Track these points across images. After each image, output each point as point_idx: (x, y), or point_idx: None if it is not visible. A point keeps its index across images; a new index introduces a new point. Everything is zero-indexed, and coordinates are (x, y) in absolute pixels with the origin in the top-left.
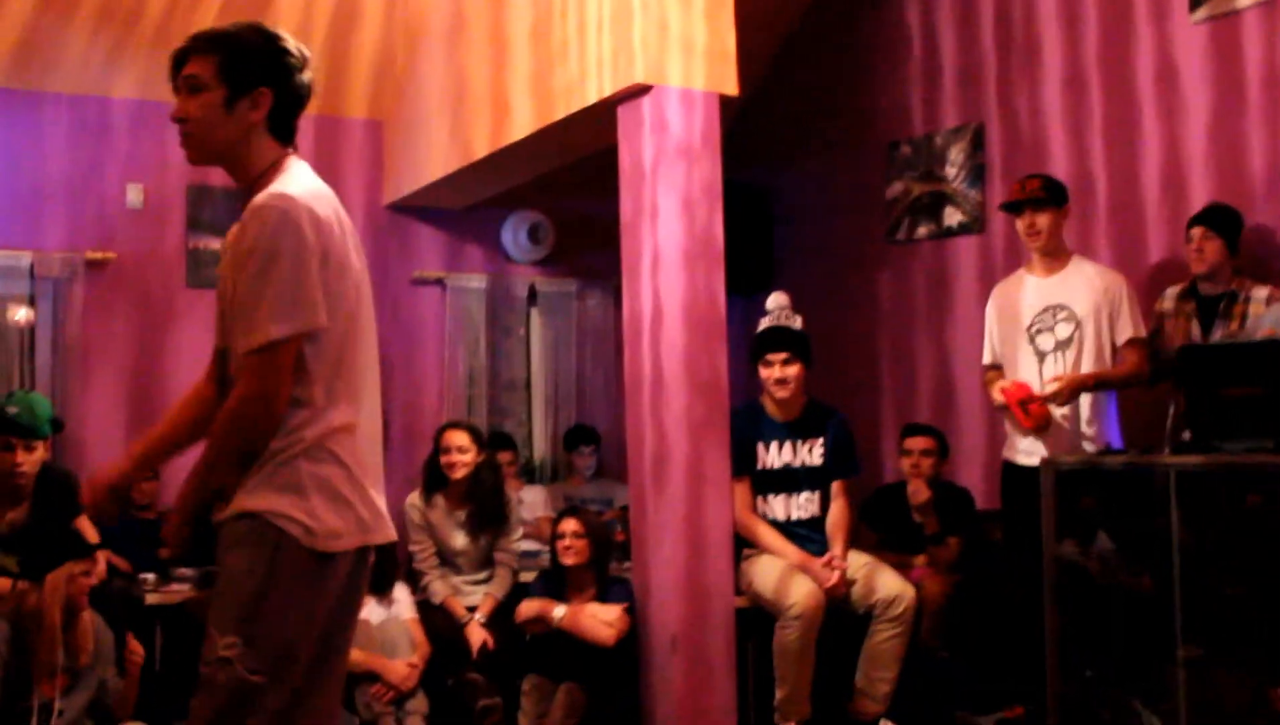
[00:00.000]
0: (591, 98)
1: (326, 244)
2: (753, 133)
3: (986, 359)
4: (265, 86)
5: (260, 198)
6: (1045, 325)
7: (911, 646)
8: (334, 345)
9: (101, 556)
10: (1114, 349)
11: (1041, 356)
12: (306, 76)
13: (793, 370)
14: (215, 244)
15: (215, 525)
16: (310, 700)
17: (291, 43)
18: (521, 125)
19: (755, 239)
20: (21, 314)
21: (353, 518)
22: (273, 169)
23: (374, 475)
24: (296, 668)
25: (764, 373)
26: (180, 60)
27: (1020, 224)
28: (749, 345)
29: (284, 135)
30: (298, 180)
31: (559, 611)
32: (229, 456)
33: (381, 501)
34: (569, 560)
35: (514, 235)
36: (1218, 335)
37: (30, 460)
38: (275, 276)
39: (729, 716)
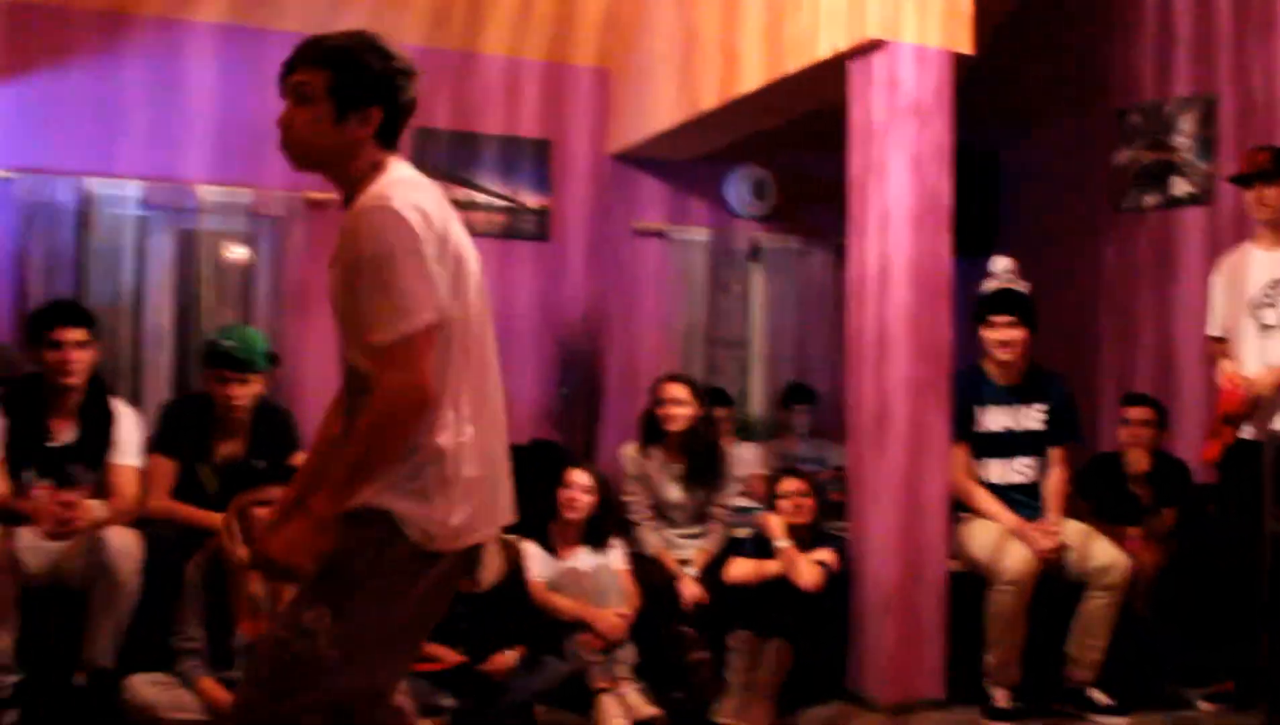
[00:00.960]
0: (823, 52)
1: (440, 235)
2: (982, 93)
3: (1211, 331)
4: (375, 106)
5: (363, 201)
6: (1269, 300)
7: (1123, 617)
8: (455, 337)
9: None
10: None
11: (1264, 330)
12: (413, 91)
13: (1017, 334)
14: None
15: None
16: (373, 687)
17: (402, 59)
18: (751, 78)
19: (980, 201)
20: (239, 252)
21: (467, 516)
22: (374, 170)
23: (497, 468)
24: (371, 655)
25: (987, 335)
26: (292, 66)
27: (1248, 197)
28: (973, 307)
29: (389, 144)
30: (400, 178)
31: (778, 546)
32: (384, 454)
33: (502, 493)
34: (799, 519)
35: (738, 190)
36: None
37: (245, 393)
38: (395, 274)
39: (937, 680)
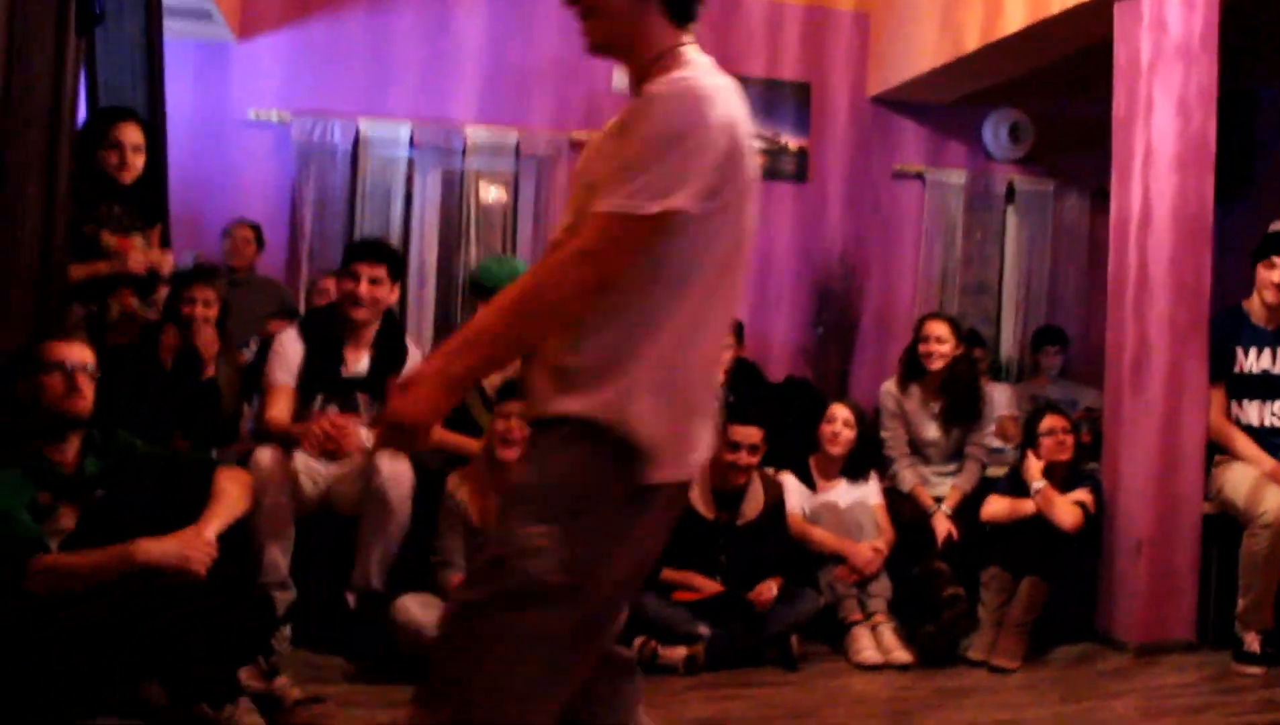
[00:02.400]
0: None
1: (732, 144)
2: (1242, 33)
3: None
4: None
5: (664, 82)
6: None
7: None
8: (702, 251)
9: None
10: None
11: None
12: None
13: None
14: None
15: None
16: (596, 637)
17: None
18: (1014, 19)
19: (1239, 145)
20: (494, 191)
21: (687, 447)
22: (670, 56)
23: (707, 403)
24: (596, 591)
25: (1264, 274)
26: None
27: None
28: (1236, 250)
29: (680, 16)
30: (707, 68)
31: (1035, 487)
32: (532, 318)
33: (707, 431)
34: (1062, 456)
35: (994, 133)
36: None
37: None
38: (670, 154)
39: (1189, 623)
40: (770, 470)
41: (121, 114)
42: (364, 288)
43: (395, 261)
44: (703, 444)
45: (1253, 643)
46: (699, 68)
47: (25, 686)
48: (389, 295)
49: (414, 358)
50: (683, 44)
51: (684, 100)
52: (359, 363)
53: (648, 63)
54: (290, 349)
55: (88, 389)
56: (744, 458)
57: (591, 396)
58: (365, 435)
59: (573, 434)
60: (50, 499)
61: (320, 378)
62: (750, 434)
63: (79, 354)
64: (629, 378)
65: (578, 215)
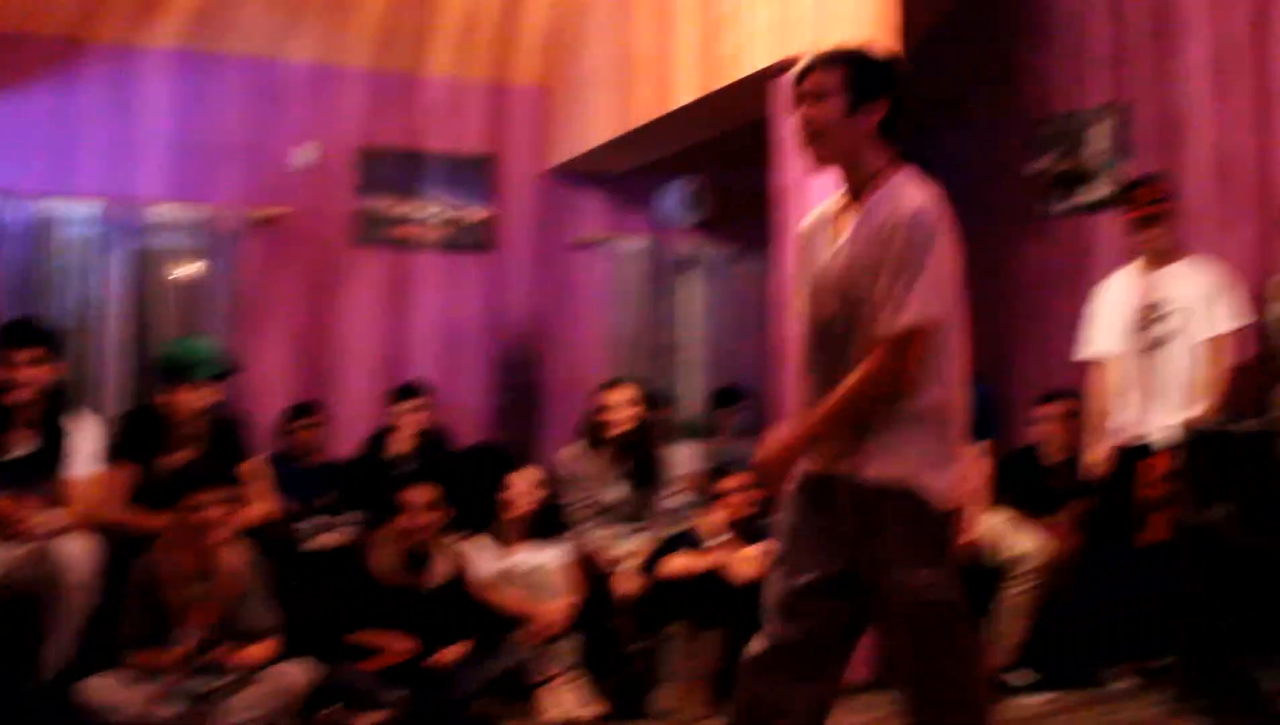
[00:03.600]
0: (752, 68)
1: (952, 248)
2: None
3: (1087, 354)
4: (883, 97)
5: (912, 199)
6: (1152, 319)
7: (1046, 601)
8: (951, 333)
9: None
10: (1214, 341)
11: (1147, 349)
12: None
13: None
14: (384, 203)
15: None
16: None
17: (900, 61)
18: (683, 93)
19: None
20: (192, 268)
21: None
22: (891, 171)
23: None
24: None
25: None
26: (806, 72)
27: (1139, 236)
28: None
29: (893, 140)
30: (927, 190)
31: (714, 543)
32: (850, 415)
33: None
34: (744, 513)
35: (671, 201)
36: None
37: (193, 400)
38: (928, 270)
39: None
40: (458, 534)
41: None
42: (24, 372)
43: (47, 338)
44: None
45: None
46: (925, 188)
47: None
48: (50, 374)
49: (81, 432)
50: (899, 163)
51: (934, 219)
52: (23, 445)
53: (870, 174)
54: None
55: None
56: (418, 519)
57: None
58: (48, 514)
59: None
60: None
61: None
62: (423, 494)
63: None
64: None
65: (846, 304)
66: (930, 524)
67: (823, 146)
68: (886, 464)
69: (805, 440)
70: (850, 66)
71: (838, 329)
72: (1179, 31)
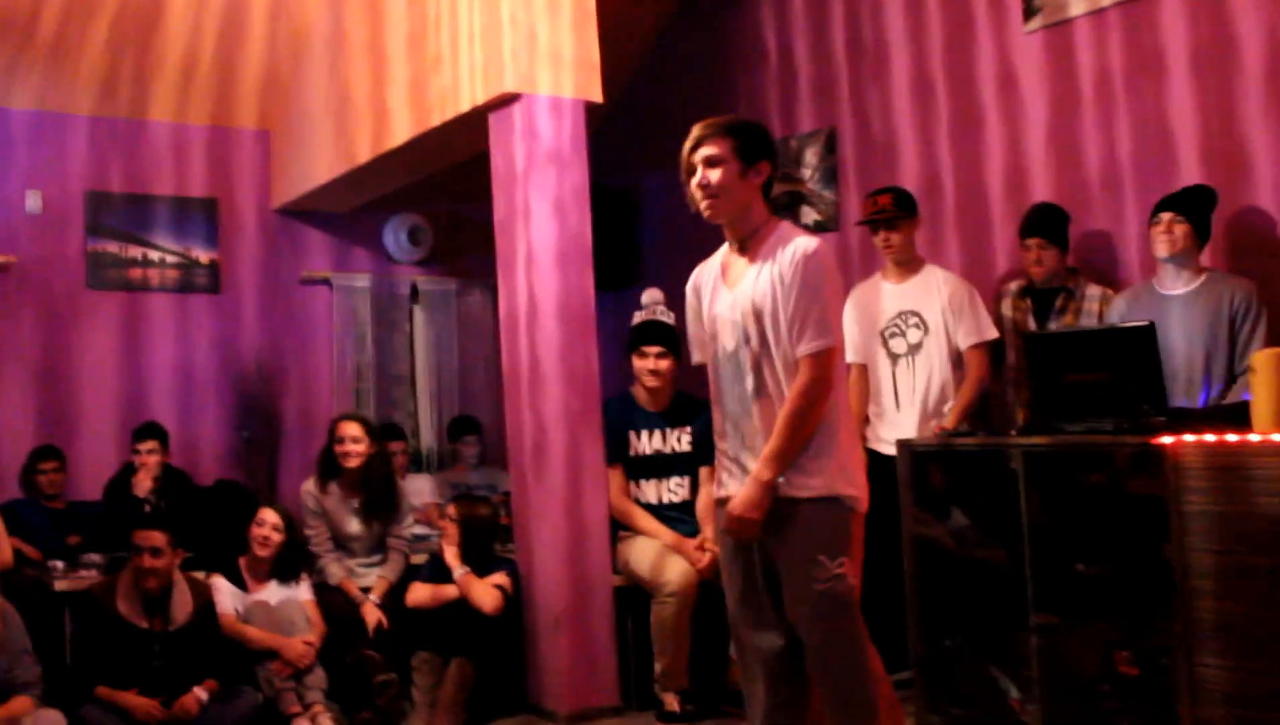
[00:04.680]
0: (465, 106)
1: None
2: (618, 136)
3: (849, 358)
4: (765, 160)
5: (807, 242)
6: (898, 330)
7: None
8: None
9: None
10: (959, 352)
11: (894, 359)
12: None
13: (665, 363)
14: (114, 247)
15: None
16: None
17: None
18: (400, 132)
19: (622, 238)
20: None
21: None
22: (774, 222)
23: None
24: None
25: (638, 364)
26: (699, 142)
27: (876, 239)
28: (622, 338)
29: (769, 199)
30: (811, 235)
31: (455, 574)
32: (801, 431)
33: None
34: (446, 542)
35: (395, 237)
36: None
37: None
38: (830, 299)
39: (612, 689)
40: (200, 574)
41: None
42: None
43: None
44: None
45: (672, 703)
46: (801, 232)
47: None
48: None
49: None
50: (775, 218)
51: (825, 258)
52: None
53: (754, 227)
54: None
55: None
56: (147, 561)
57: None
58: None
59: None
60: None
61: None
62: (153, 538)
63: None
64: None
65: (749, 338)
66: (845, 525)
67: (720, 204)
68: (812, 479)
69: (772, 481)
70: (740, 135)
71: (741, 360)
72: (883, 55)
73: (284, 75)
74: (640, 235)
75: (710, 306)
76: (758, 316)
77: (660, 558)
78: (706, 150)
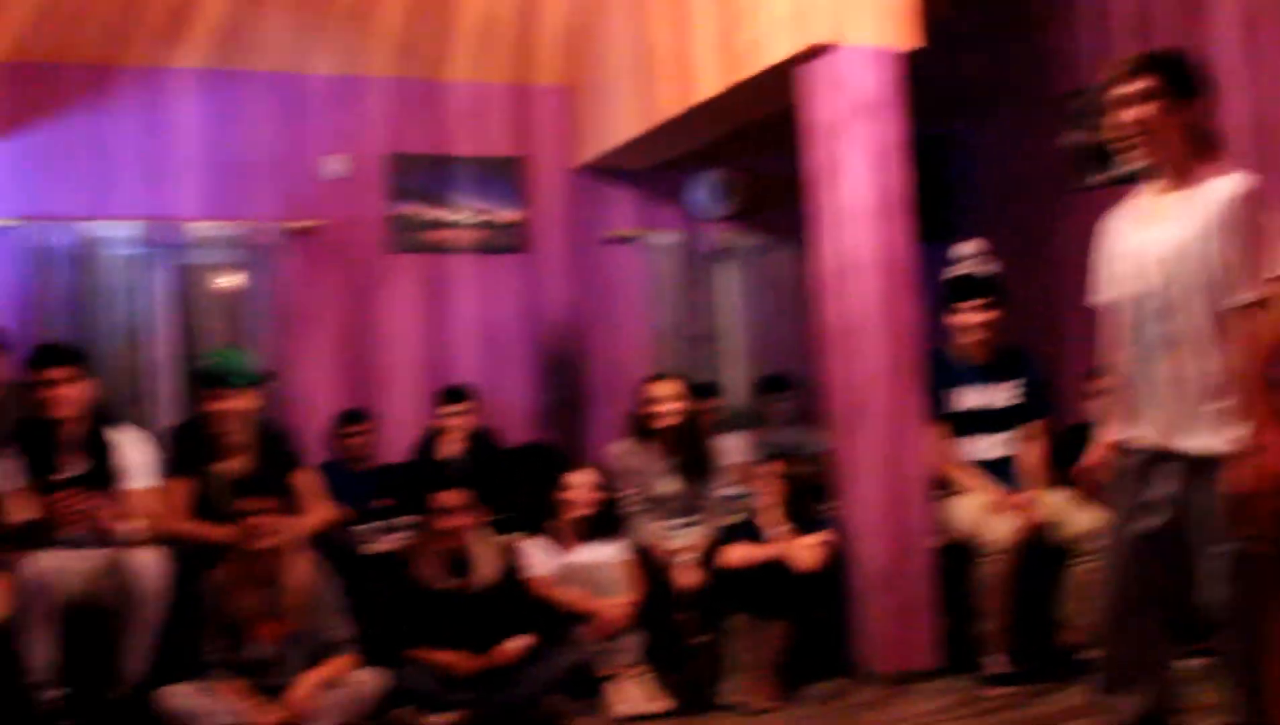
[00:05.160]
0: (773, 58)
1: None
2: (933, 83)
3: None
4: (1195, 96)
5: (1242, 183)
6: None
7: None
8: None
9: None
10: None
11: None
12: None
13: (986, 315)
14: (416, 209)
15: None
16: None
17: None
18: (706, 86)
19: (939, 188)
20: (230, 281)
21: None
22: (1204, 160)
23: None
24: None
25: (957, 318)
26: (1125, 76)
27: None
28: (940, 292)
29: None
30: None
31: (773, 533)
32: (1256, 383)
33: None
34: (767, 499)
35: (700, 193)
36: None
37: (233, 408)
38: (1266, 245)
39: (933, 650)
40: (510, 536)
41: None
42: (61, 391)
43: (80, 357)
44: None
45: (996, 665)
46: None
47: None
48: (87, 392)
49: (129, 446)
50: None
51: (1259, 196)
52: (75, 465)
53: (1186, 162)
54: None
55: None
56: (449, 522)
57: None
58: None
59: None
60: None
61: (40, 487)
62: (451, 498)
63: None
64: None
65: (1174, 278)
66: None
67: (1149, 143)
68: (1219, 437)
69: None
70: (1168, 69)
71: (1164, 301)
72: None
73: (585, 30)
74: (956, 184)
75: (1125, 246)
76: (1182, 259)
77: (983, 515)
78: (1132, 85)
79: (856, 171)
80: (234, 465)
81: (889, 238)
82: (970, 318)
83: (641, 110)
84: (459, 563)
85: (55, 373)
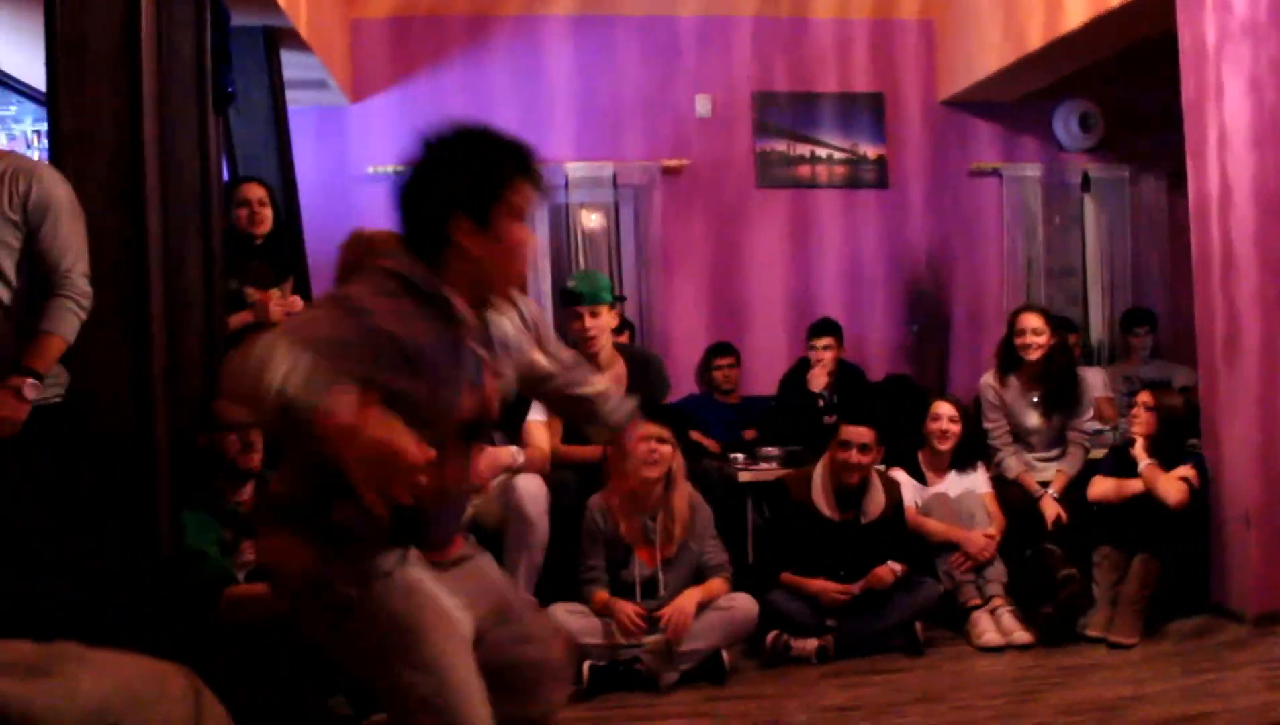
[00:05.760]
0: None
1: None
2: None
3: None
4: None
5: None
6: None
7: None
8: None
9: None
10: None
11: None
12: None
13: None
14: (781, 146)
15: None
16: None
17: None
18: (1074, 15)
19: None
20: (595, 220)
21: None
22: None
23: None
24: None
25: None
26: None
27: None
28: None
29: None
30: None
31: (1141, 466)
32: None
33: None
34: (1140, 431)
35: (1065, 124)
36: None
37: (597, 326)
38: None
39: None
40: (889, 468)
41: (245, 177)
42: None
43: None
44: None
45: None
46: None
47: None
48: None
49: None
50: None
51: None
52: None
53: None
54: None
55: (259, 443)
56: (855, 457)
57: None
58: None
59: None
60: (233, 536)
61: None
62: (861, 434)
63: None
64: None
65: None
66: None
67: None
68: None
69: None
70: None
71: None
72: None
73: None
74: None
75: None
76: None
77: None
78: None
79: (1235, 96)
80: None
81: (1268, 166)
82: None
83: (1006, 42)
84: (852, 495)
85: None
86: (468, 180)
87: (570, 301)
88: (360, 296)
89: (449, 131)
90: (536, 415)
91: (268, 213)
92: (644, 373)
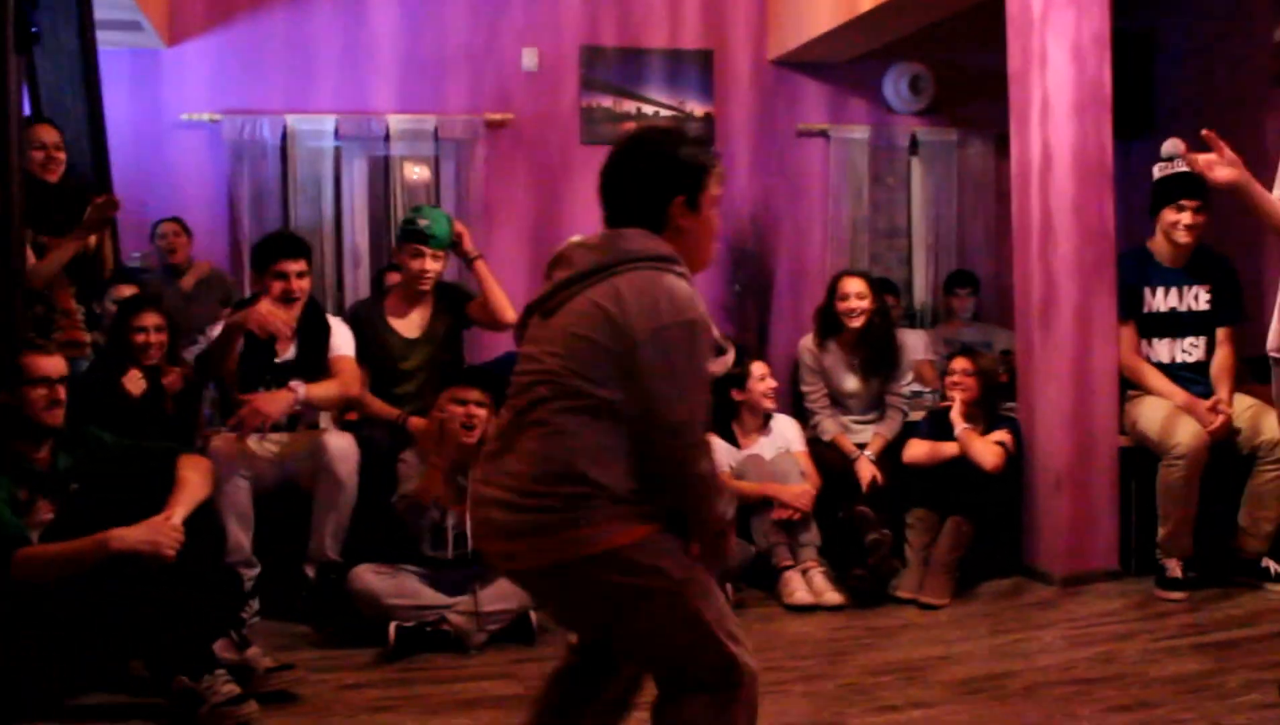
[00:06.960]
0: None
1: None
2: None
3: None
4: None
5: None
6: None
7: None
8: None
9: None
10: None
11: None
12: None
13: (1198, 217)
14: (607, 102)
15: None
16: None
17: None
18: None
19: (1137, 84)
20: (418, 172)
21: None
22: None
23: None
24: None
25: (1171, 217)
26: None
27: None
28: (1136, 189)
29: None
30: None
31: (957, 430)
32: None
33: None
34: (959, 396)
35: (895, 86)
36: None
37: (437, 270)
38: None
39: (1111, 553)
40: None
41: (35, 118)
42: (295, 283)
43: (309, 250)
44: None
45: (1174, 569)
46: None
47: (16, 669)
48: (310, 283)
49: (338, 329)
50: None
51: None
52: (289, 349)
53: None
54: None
55: (63, 398)
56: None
57: None
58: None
59: None
60: (28, 494)
61: (257, 368)
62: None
63: (56, 367)
64: None
65: None
66: None
67: None
68: None
69: None
70: None
71: None
72: None
73: None
74: (1158, 80)
75: None
76: None
77: (1171, 418)
78: None
79: (1058, 64)
80: (419, 318)
81: (1087, 133)
82: (1183, 218)
83: (839, 2)
84: None
85: (289, 265)
86: (686, 166)
87: (416, 239)
88: (697, 310)
89: (657, 128)
90: (346, 351)
91: (62, 157)
92: (456, 304)
